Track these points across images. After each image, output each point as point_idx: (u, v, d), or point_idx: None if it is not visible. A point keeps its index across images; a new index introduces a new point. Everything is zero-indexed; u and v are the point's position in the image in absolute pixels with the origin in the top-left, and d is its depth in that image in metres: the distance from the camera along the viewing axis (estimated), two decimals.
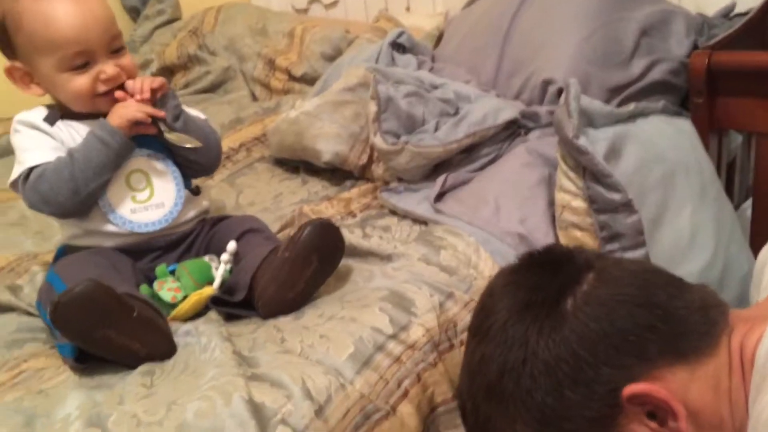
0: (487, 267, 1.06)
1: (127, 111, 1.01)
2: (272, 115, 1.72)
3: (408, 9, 2.04)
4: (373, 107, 1.31)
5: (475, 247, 1.08)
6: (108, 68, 1.02)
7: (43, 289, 1.03)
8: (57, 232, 1.25)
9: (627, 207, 1.08)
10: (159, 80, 1.05)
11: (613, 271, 0.76)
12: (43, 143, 1.03)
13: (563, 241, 1.12)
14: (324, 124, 1.40)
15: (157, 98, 1.04)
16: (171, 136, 1.04)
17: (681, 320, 0.72)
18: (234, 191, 1.46)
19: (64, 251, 1.09)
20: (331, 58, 1.83)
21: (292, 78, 1.87)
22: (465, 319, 0.95)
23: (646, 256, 1.10)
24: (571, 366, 0.71)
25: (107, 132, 1.01)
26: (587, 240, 1.10)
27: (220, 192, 1.44)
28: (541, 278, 0.77)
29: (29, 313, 1.07)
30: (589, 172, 1.08)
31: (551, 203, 1.16)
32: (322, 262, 0.98)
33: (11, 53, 1.04)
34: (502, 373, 0.74)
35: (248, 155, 1.60)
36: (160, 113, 1.03)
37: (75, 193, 1.01)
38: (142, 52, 2.22)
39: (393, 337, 0.91)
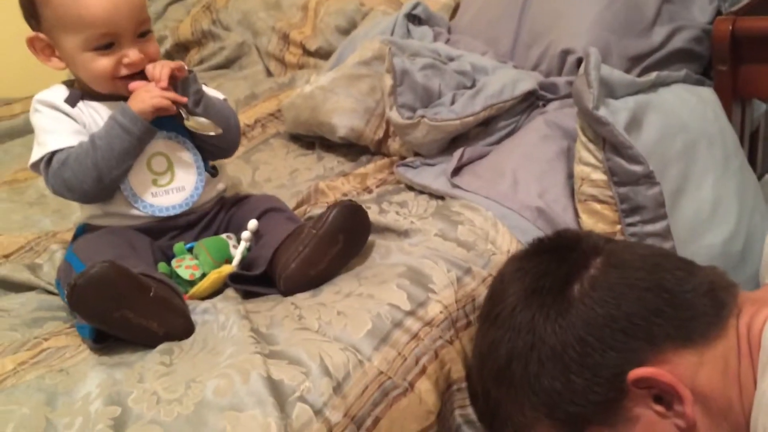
0: (505, 242, 1.05)
1: (150, 96, 1.00)
2: (287, 90, 1.70)
3: None
4: (388, 81, 1.29)
5: (492, 222, 1.07)
6: (132, 53, 1.00)
7: (62, 269, 1.04)
8: (75, 210, 1.25)
9: (648, 179, 1.06)
10: (177, 63, 1.04)
11: (622, 255, 0.76)
12: (64, 126, 1.03)
13: (582, 214, 1.10)
14: (339, 98, 1.38)
15: (177, 80, 1.03)
16: (192, 124, 1.03)
17: (688, 304, 0.72)
18: (250, 168, 1.45)
19: (83, 230, 1.09)
20: (346, 31, 1.80)
21: (307, 52, 1.85)
22: (483, 294, 0.95)
23: (667, 228, 1.08)
24: (577, 351, 0.71)
25: (129, 119, 1.00)
26: (607, 213, 1.08)
27: (236, 169, 1.43)
28: (549, 264, 0.77)
29: (49, 292, 1.08)
30: (609, 143, 1.06)
31: (570, 176, 1.14)
32: (347, 243, 0.98)
33: (36, 24, 1.03)
34: (511, 358, 0.75)
35: (263, 131, 1.59)
36: (182, 99, 1.02)
37: (98, 181, 1.00)
38: (155, 29, 2.20)
39: (411, 313, 0.91)
